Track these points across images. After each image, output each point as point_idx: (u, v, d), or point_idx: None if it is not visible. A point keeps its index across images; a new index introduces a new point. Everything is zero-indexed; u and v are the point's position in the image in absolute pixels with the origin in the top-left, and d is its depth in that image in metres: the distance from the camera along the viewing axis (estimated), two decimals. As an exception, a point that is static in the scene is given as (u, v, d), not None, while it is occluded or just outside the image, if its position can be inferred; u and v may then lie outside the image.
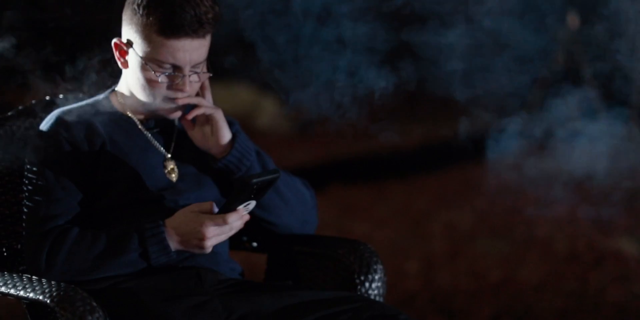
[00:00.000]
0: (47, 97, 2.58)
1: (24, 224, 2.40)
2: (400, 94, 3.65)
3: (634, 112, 7.88)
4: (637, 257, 5.99)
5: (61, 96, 2.59)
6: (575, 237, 6.39)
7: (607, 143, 6.56)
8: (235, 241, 2.63)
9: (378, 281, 2.44)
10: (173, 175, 2.52)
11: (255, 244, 2.65)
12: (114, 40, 2.50)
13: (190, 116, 2.49)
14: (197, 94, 2.54)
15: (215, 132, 2.53)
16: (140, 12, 2.39)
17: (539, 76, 8.07)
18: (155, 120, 2.56)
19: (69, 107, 2.52)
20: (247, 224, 2.52)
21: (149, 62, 2.43)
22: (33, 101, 2.55)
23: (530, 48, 4.81)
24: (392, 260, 5.62)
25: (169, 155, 2.55)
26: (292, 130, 8.84)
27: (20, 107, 2.54)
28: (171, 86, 2.45)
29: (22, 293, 2.18)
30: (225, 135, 2.54)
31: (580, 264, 5.93)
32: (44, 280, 2.26)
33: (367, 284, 2.43)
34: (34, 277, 2.28)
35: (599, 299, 5.37)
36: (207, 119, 2.54)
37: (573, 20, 7.15)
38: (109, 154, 2.46)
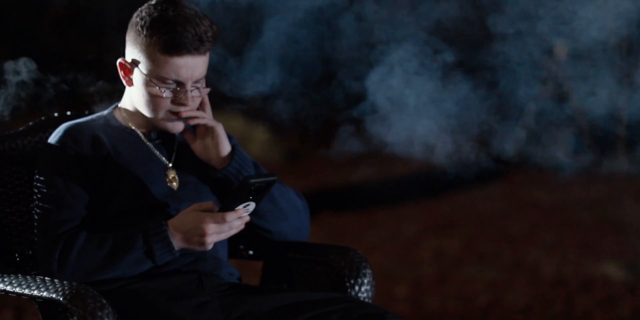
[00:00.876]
0: (55, 114, 2.78)
1: (35, 231, 2.60)
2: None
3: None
4: (623, 282, 6.13)
5: (68, 113, 2.79)
6: (562, 263, 6.53)
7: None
8: (232, 249, 2.81)
9: (367, 284, 2.64)
10: (174, 183, 2.69)
11: (251, 252, 2.83)
12: (119, 60, 2.67)
13: (193, 122, 2.68)
14: (197, 109, 2.75)
15: (216, 144, 2.69)
16: (144, 33, 2.56)
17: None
18: (157, 133, 2.74)
19: (76, 121, 2.72)
20: (243, 233, 2.72)
21: (154, 79, 2.59)
22: (42, 117, 2.77)
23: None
24: (382, 285, 5.76)
25: (170, 165, 2.71)
26: (283, 158, 9.04)
27: (30, 123, 2.75)
28: (174, 101, 2.62)
29: (36, 292, 2.36)
30: (226, 147, 2.71)
31: (566, 288, 6.07)
32: (56, 280, 2.44)
33: (357, 287, 2.62)
34: (46, 278, 2.46)
35: None
36: (208, 132, 2.73)
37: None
38: (114, 163, 2.63)
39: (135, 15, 2.62)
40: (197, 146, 2.70)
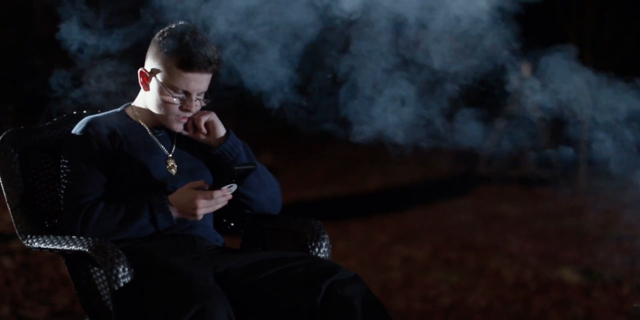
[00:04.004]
0: (74, 112, 3.62)
1: (61, 202, 3.37)
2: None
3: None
4: (578, 285, 6.84)
5: (84, 111, 3.61)
6: (523, 268, 7.24)
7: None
8: (217, 222, 3.63)
9: (325, 247, 3.47)
10: (173, 170, 3.46)
11: (232, 224, 3.65)
12: (140, 69, 3.42)
13: (201, 124, 3.44)
14: None
15: (213, 129, 3.46)
16: (165, 50, 3.34)
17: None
18: (161, 128, 3.51)
19: (95, 115, 3.51)
20: (226, 209, 3.53)
21: (168, 87, 3.36)
22: (64, 115, 3.61)
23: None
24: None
25: (170, 155, 3.48)
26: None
27: (55, 119, 3.59)
28: (181, 107, 3.39)
29: (66, 247, 3.16)
30: (221, 130, 3.48)
31: (525, 290, 6.75)
32: (81, 237, 3.22)
33: (317, 249, 3.45)
34: (73, 236, 3.23)
35: None
36: (200, 124, 3.55)
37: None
38: (125, 151, 3.39)
39: (158, 35, 3.42)
40: (198, 134, 3.49)
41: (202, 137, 3.50)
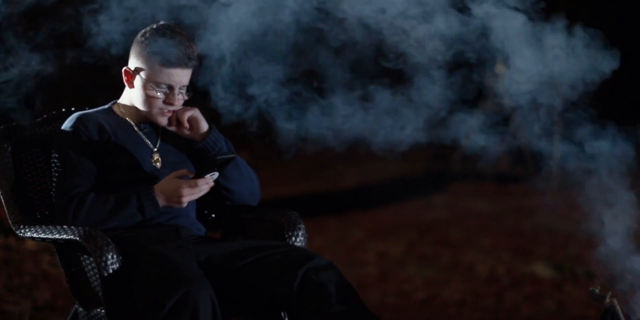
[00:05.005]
0: (63, 109, 3.86)
1: (53, 194, 3.60)
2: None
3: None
4: (550, 279, 7.07)
5: (72, 109, 3.84)
6: (496, 263, 7.45)
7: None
8: (199, 213, 3.87)
9: (301, 236, 3.74)
10: (158, 163, 3.70)
11: (213, 215, 3.92)
12: (125, 68, 3.67)
13: (184, 119, 3.67)
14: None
15: (196, 124, 3.70)
16: (147, 49, 3.60)
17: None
18: (146, 124, 3.74)
19: (84, 111, 3.74)
20: (208, 201, 3.79)
21: (151, 83, 3.62)
22: (54, 112, 3.84)
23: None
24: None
25: (155, 149, 3.71)
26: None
27: (45, 116, 3.83)
28: (165, 101, 3.64)
29: (57, 236, 3.40)
30: (204, 126, 3.71)
31: (498, 284, 6.94)
32: (72, 226, 3.44)
33: (293, 238, 3.71)
34: (64, 226, 3.46)
35: (514, 313, 6.36)
36: (183, 119, 3.73)
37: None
38: (113, 145, 3.61)
39: (140, 35, 3.68)
40: (182, 129, 3.73)
41: (186, 132, 3.75)
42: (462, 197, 9.69)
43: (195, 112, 3.74)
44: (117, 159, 3.64)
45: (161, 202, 3.57)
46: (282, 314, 3.57)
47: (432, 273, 7.28)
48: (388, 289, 6.90)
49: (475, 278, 7.16)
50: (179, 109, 3.72)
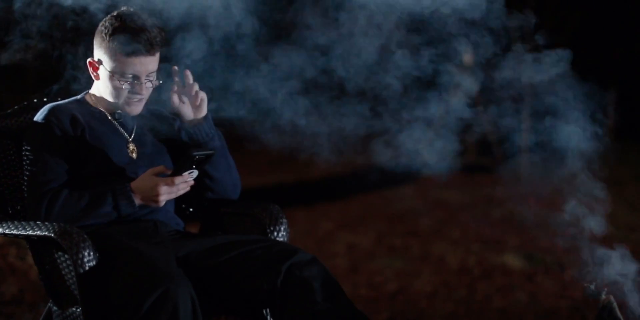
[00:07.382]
0: (35, 100, 3.72)
1: (25, 188, 3.49)
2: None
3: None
4: (521, 270, 7.01)
5: (45, 99, 3.72)
6: (467, 254, 7.42)
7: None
8: (177, 208, 3.75)
9: (283, 231, 3.63)
10: (134, 154, 3.59)
11: (191, 209, 3.80)
12: (88, 59, 3.54)
13: (198, 97, 3.57)
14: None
15: (199, 107, 3.61)
16: (108, 39, 3.46)
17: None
18: (120, 114, 3.62)
19: (57, 102, 3.62)
20: (187, 195, 3.66)
21: (115, 74, 3.49)
22: (25, 102, 3.72)
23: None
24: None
25: (130, 139, 3.60)
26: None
27: (16, 107, 3.69)
28: (132, 90, 3.52)
29: (31, 232, 3.27)
30: (205, 111, 3.63)
31: (469, 276, 6.92)
32: (46, 222, 3.33)
33: (275, 233, 3.60)
34: (38, 222, 3.34)
35: (485, 305, 6.33)
36: (197, 98, 3.60)
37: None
38: (87, 136, 3.50)
39: (100, 24, 3.54)
40: (184, 106, 3.62)
41: (187, 109, 3.63)
42: (431, 188, 9.63)
43: (204, 96, 3.64)
44: (91, 151, 3.52)
45: (137, 201, 3.48)
46: (265, 312, 3.45)
47: (402, 264, 7.24)
48: (359, 281, 6.85)
49: (446, 269, 7.13)
50: (195, 88, 3.60)
